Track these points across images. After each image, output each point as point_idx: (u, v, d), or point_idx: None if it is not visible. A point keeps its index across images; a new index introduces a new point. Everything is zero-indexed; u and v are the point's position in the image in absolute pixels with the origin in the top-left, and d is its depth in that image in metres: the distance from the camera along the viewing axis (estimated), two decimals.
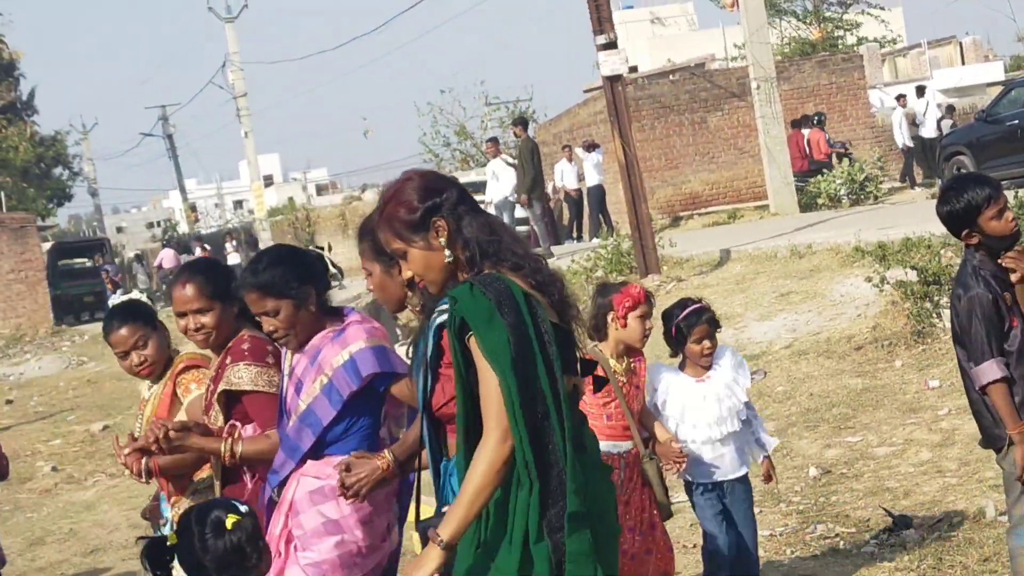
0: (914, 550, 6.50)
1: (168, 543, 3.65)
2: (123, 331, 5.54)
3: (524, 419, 3.47)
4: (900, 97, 28.48)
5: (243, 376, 4.92)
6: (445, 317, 3.68)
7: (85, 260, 44.19)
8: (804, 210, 23.13)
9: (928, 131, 27.84)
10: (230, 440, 4.80)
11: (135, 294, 6.21)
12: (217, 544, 3.59)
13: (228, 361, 4.96)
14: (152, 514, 5.90)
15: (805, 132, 25.80)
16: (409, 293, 4.47)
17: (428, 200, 3.71)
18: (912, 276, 11.11)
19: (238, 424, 4.90)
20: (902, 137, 27.95)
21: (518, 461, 3.49)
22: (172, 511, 5.45)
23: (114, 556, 10.04)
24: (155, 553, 3.65)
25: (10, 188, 42.37)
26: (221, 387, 4.93)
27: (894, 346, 10.98)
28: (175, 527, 3.78)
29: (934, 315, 10.85)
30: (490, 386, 3.49)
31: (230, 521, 3.59)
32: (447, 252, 3.69)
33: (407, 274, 3.91)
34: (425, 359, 3.84)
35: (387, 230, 3.78)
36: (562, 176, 28.15)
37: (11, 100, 49.05)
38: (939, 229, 12.07)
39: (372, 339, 4.72)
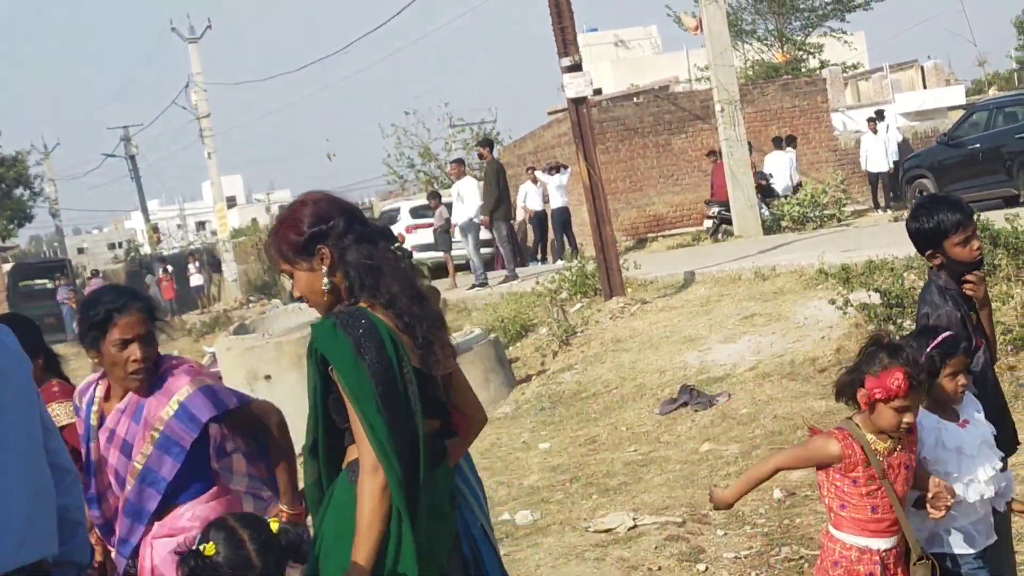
0: None
1: (206, 554, 3.60)
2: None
3: (396, 457, 3.63)
4: (871, 120, 28.43)
5: (59, 414, 5.11)
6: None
7: (46, 281, 43.98)
8: (768, 232, 23.21)
9: (889, 155, 27.88)
10: None
11: None
12: (271, 548, 3.62)
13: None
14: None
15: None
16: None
17: (315, 227, 3.87)
18: (875, 298, 11.15)
19: None
20: (869, 161, 27.90)
21: (393, 500, 3.65)
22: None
23: None
24: (194, 566, 3.64)
25: None
26: None
27: None
28: (202, 539, 3.67)
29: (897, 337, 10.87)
30: (355, 422, 3.65)
31: (275, 525, 3.67)
32: (326, 280, 3.88)
33: (296, 292, 4.05)
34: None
35: (275, 251, 3.97)
36: (526, 198, 28.21)
37: None
38: (902, 252, 12.17)
39: (196, 380, 4.66)
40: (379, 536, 3.62)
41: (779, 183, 25.98)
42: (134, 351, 4.51)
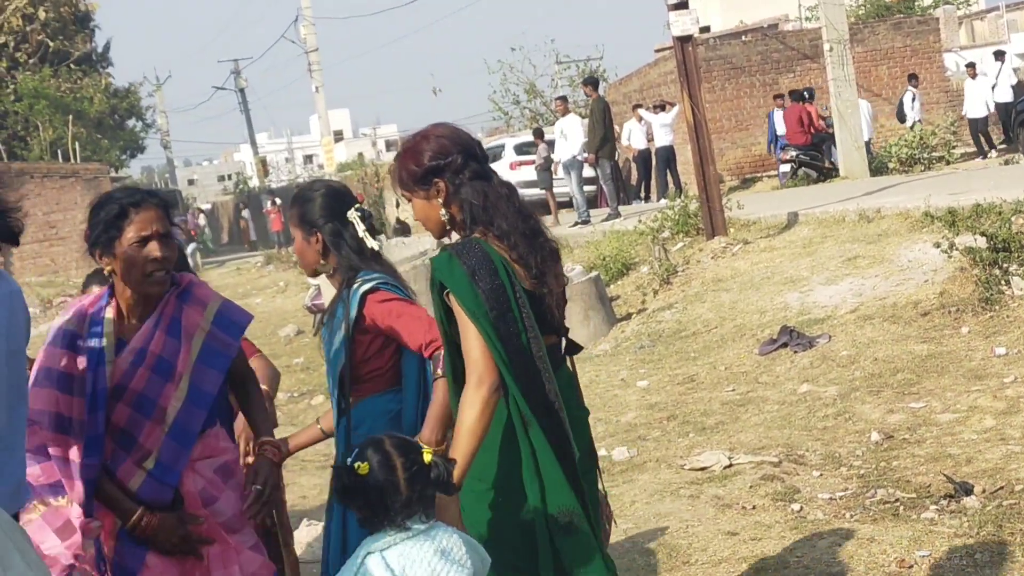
0: (974, 517, 6.48)
1: (359, 472, 3.60)
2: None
3: (511, 369, 3.89)
4: (970, 66, 27.78)
5: None
6: (368, 286, 4.60)
7: None
8: (875, 174, 22.93)
9: (1003, 96, 27.19)
10: None
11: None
12: (420, 477, 3.61)
13: None
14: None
15: (802, 106, 25.20)
16: (322, 261, 4.84)
17: (434, 161, 4.11)
18: (982, 242, 11.00)
19: None
20: (969, 107, 27.18)
21: (512, 411, 3.92)
22: None
23: None
24: (346, 483, 3.65)
25: (84, 139, 42.82)
26: None
27: (961, 313, 10.90)
28: (359, 456, 3.63)
29: (1003, 282, 10.75)
30: (470, 339, 3.89)
31: (427, 456, 3.63)
32: (443, 211, 4.13)
33: (416, 217, 4.28)
34: (347, 322, 4.60)
35: (397, 177, 4.24)
36: (630, 136, 28.06)
37: (86, 52, 49.51)
38: (1011, 195, 11.99)
39: (215, 293, 4.48)
40: (475, 447, 3.86)
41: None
42: (154, 249, 4.07)
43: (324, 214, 4.82)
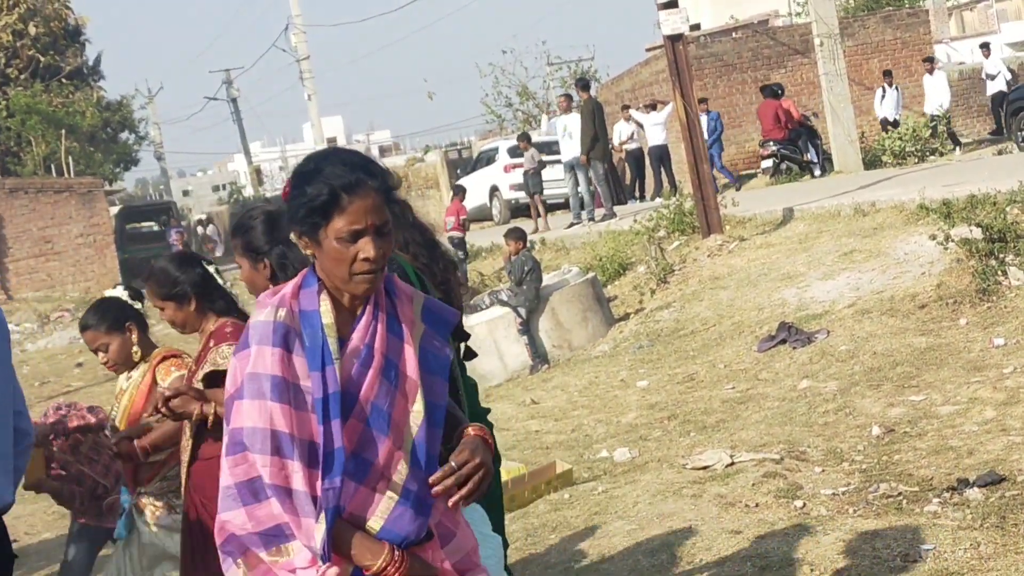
0: (977, 509, 6.48)
1: None
2: (87, 334, 6.02)
3: None
4: (927, 61, 27.62)
5: (228, 357, 4.92)
6: None
7: (152, 224, 44.69)
8: (868, 168, 22.94)
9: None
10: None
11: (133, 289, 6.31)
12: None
13: (212, 344, 5.10)
14: (110, 508, 6.17)
15: (778, 101, 25.04)
16: (271, 286, 4.72)
17: None
18: (977, 233, 11.02)
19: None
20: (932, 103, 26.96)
21: None
22: (132, 501, 5.68)
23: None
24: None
25: (77, 153, 42.76)
26: (207, 368, 5.01)
27: (959, 304, 10.91)
28: None
29: (999, 272, 10.76)
30: None
31: None
32: None
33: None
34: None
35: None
36: (619, 136, 28.02)
37: (77, 66, 49.42)
38: (1005, 186, 11.99)
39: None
40: None
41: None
42: (366, 247, 3.33)
43: (268, 239, 4.87)
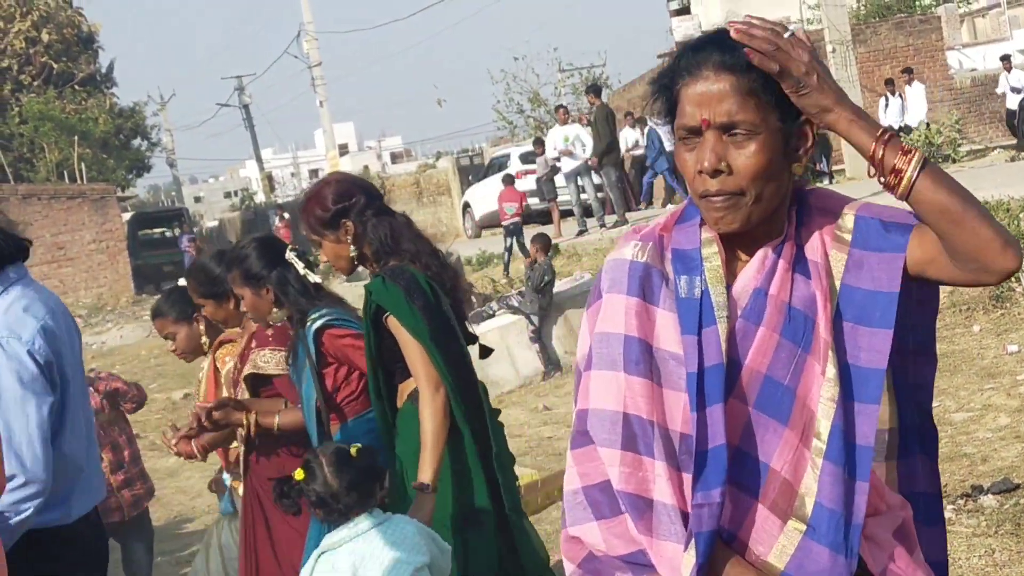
0: (992, 515, 6.47)
1: (296, 479, 3.92)
2: (157, 322, 6.16)
3: (451, 378, 4.28)
4: (1005, 59, 27.32)
5: (269, 361, 5.20)
6: (319, 324, 4.82)
7: (164, 230, 44.78)
8: None
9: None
10: (274, 414, 5.06)
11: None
12: (345, 470, 3.87)
13: (253, 345, 5.26)
14: (216, 485, 6.26)
15: None
16: (275, 310, 5.16)
17: (339, 204, 4.52)
18: None
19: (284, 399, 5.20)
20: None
21: (454, 413, 4.29)
22: (231, 480, 5.89)
23: (198, 522, 10.22)
24: (283, 490, 3.97)
25: (90, 159, 42.88)
26: (248, 370, 5.20)
27: (972, 311, 10.89)
28: (303, 467, 3.96)
29: (1013, 280, 10.75)
30: (414, 355, 4.28)
31: (354, 449, 3.93)
32: (352, 248, 4.53)
33: (323, 258, 4.70)
34: (310, 360, 4.81)
35: (305, 224, 4.61)
36: (626, 143, 27.98)
37: (90, 73, 49.61)
38: (1018, 193, 11.96)
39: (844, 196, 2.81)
40: (443, 447, 4.24)
41: None
42: (708, 154, 2.32)
43: (265, 264, 5.08)
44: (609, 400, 2.36)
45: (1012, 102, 26.53)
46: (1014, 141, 26.36)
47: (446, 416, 4.26)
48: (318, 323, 4.88)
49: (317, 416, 4.87)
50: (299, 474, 3.92)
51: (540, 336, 14.34)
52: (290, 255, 5.06)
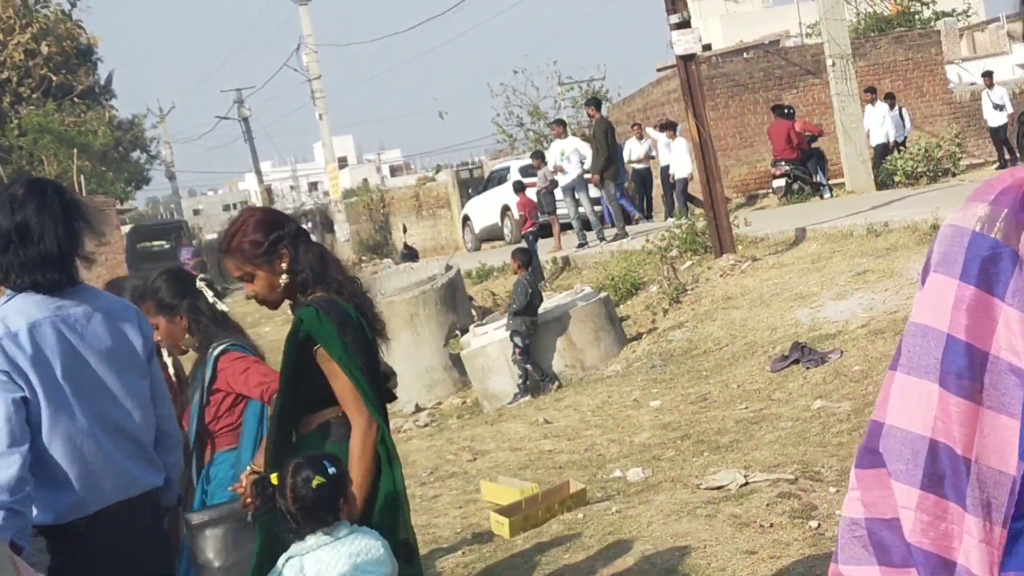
0: None
1: (272, 480, 4.09)
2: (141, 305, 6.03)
3: (378, 410, 4.34)
4: (987, 75, 27.34)
5: None
6: (219, 349, 5.11)
7: (163, 242, 44.82)
8: (880, 188, 22.92)
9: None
10: None
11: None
12: (303, 496, 4.01)
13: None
14: None
15: (790, 122, 24.77)
16: (188, 336, 5.39)
17: (273, 232, 4.49)
18: None
19: None
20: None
21: (379, 448, 4.34)
22: None
23: None
24: (262, 486, 4.14)
25: (89, 172, 42.89)
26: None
27: None
28: (283, 471, 4.10)
29: None
30: (343, 386, 4.28)
31: (316, 482, 3.99)
32: (284, 277, 4.48)
33: (250, 292, 4.59)
34: (203, 384, 5.07)
35: (236, 259, 4.51)
36: (630, 154, 27.99)
37: (89, 85, 49.65)
38: None
39: None
40: (372, 476, 4.30)
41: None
42: None
43: (177, 294, 5.38)
44: (914, 419, 1.85)
45: (994, 119, 26.51)
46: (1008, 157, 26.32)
47: (374, 451, 4.31)
48: (218, 349, 5.20)
49: (197, 441, 5.22)
50: (274, 479, 4.08)
51: (529, 355, 14.24)
52: (200, 284, 5.33)
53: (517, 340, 14.12)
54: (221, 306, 5.32)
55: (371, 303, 4.62)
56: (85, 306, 4.28)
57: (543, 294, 15.15)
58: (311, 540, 4.03)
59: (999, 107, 26.44)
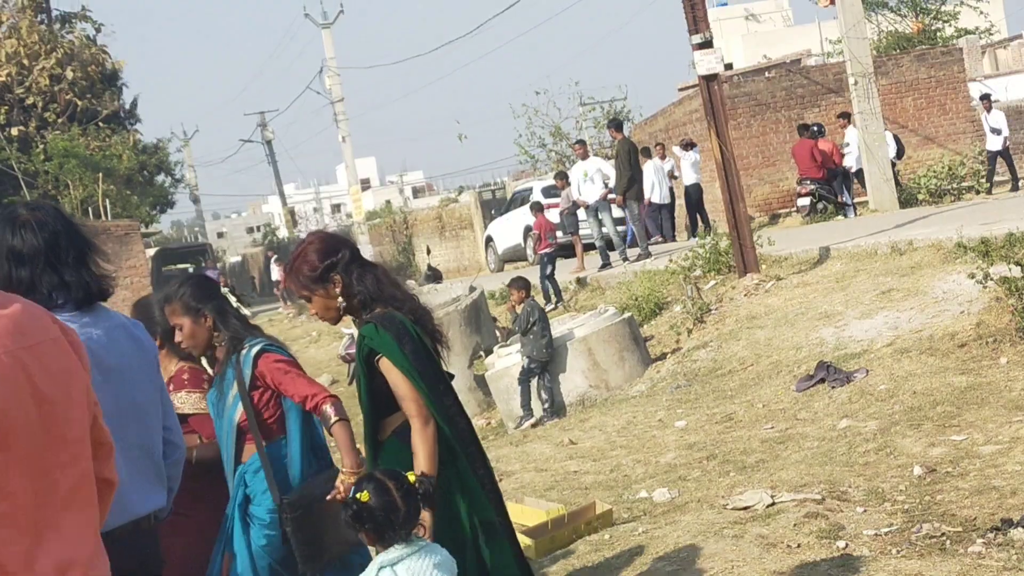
0: (1022, 549, 6.43)
1: (362, 500, 4.32)
2: (167, 307, 6.06)
3: (438, 412, 4.72)
4: (984, 98, 27.21)
5: (185, 401, 5.80)
6: (257, 349, 5.46)
7: (188, 265, 44.96)
8: (904, 206, 22.87)
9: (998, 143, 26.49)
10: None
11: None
12: (412, 494, 4.35)
13: (171, 388, 5.79)
14: None
15: (814, 141, 24.72)
16: (216, 334, 5.64)
17: (326, 260, 4.92)
18: (1016, 272, 10.96)
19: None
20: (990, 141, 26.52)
21: (442, 444, 4.71)
22: None
23: None
24: (354, 512, 4.36)
25: (114, 196, 43.07)
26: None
27: (999, 343, 10.85)
28: (357, 490, 4.37)
29: None
30: (404, 392, 4.69)
31: (411, 477, 4.40)
32: (340, 300, 4.93)
33: (312, 312, 5.09)
34: (240, 382, 5.39)
35: (294, 282, 5.00)
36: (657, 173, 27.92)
37: (114, 109, 49.88)
38: None
39: None
40: (435, 467, 4.62)
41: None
42: None
43: (203, 297, 5.66)
44: None
45: (993, 143, 26.34)
46: None
47: (435, 445, 4.66)
48: (256, 347, 5.46)
49: (238, 436, 5.50)
50: (364, 496, 4.30)
51: (542, 378, 14.26)
52: (224, 290, 5.62)
53: (527, 365, 14.22)
54: (244, 310, 5.63)
55: (430, 317, 5.01)
56: (107, 322, 4.44)
57: (548, 319, 15.05)
58: (396, 551, 4.31)
59: (996, 131, 26.30)
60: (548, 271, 20.79)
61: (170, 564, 4.94)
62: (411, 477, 4.40)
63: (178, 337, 5.69)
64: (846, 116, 25.30)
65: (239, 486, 5.56)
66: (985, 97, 27.38)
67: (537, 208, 23.04)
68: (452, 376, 5.11)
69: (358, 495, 4.34)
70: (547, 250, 21.23)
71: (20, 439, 2.75)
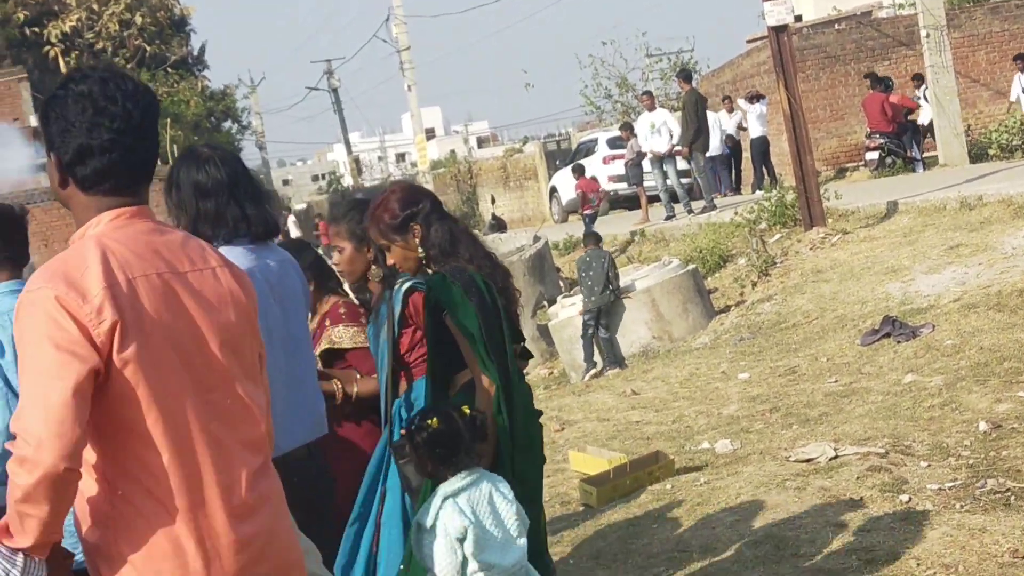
0: None
1: (432, 425, 4.46)
2: (331, 227, 5.97)
3: (495, 370, 4.66)
4: (1019, 58, 26.18)
5: (343, 336, 5.74)
6: (408, 286, 5.15)
7: None
8: (974, 161, 22.58)
9: None
10: (352, 383, 5.61)
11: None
12: (473, 424, 4.51)
13: (327, 323, 5.76)
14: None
15: (885, 94, 24.13)
16: (373, 268, 5.56)
17: (407, 209, 4.92)
18: None
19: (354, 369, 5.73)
20: None
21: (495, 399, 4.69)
22: None
23: None
24: (411, 433, 4.53)
25: (182, 142, 43.38)
26: (324, 345, 5.69)
27: None
28: (423, 418, 4.51)
29: None
30: (466, 348, 4.68)
31: (466, 410, 4.52)
32: (420, 250, 4.91)
33: (390, 262, 5.03)
34: (391, 318, 5.18)
35: (375, 229, 4.99)
36: (721, 125, 27.72)
37: (182, 55, 50.24)
38: None
39: None
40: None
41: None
42: None
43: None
44: None
45: None
46: None
47: (492, 400, 4.66)
48: (407, 284, 5.25)
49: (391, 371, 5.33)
50: (435, 422, 4.45)
51: (605, 331, 14.30)
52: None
53: (586, 318, 14.28)
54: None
55: (506, 274, 5.00)
56: (279, 256, 4.64)
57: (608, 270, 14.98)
58: (458, 480, 4.45)
59: None
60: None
61: (341, 492, 5.09)
62: (466, 410, 4.52)
63: (336, 259, 5.72)
64: (919, 78, 24.86)
65: (396, 421, 5.47)
66: (1020, 56, 26.33)
67: (579, 171, 23.08)
68: (523, 339, 5.11)
69: (428, 421, 4.47)
70: (589, 212, 21.33)
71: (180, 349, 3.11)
